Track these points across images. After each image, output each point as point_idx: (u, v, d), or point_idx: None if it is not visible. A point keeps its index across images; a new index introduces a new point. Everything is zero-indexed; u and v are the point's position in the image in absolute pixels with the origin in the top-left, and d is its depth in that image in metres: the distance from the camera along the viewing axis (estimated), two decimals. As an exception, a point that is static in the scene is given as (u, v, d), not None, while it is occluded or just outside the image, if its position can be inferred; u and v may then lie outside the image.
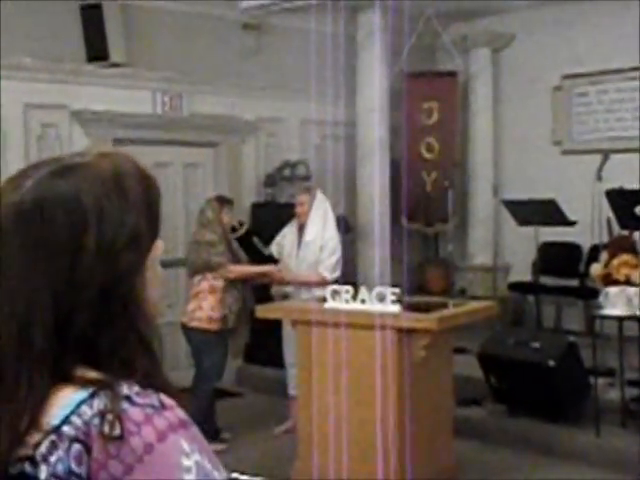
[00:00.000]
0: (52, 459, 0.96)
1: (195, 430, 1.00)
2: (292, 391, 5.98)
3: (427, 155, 8.95)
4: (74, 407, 0.98)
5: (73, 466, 0.95)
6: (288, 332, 6.00)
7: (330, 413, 4.67)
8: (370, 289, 4.81)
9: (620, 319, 5.64)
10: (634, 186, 6.31)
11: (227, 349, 6.16)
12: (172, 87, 7.60)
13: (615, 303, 5.56)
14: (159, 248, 1.12)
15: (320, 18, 6.34)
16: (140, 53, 7.29)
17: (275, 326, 5.97)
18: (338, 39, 6.29)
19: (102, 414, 0.96)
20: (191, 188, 7.82)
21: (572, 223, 7.18)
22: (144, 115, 7.41)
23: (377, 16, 7.68)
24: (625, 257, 5.70)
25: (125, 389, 0.99)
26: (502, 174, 9.09)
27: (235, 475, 1.11)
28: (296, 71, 7.49)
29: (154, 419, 0.97)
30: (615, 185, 6.30)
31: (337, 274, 5.99)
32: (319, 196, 6.15)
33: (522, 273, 8.41)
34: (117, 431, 0.95)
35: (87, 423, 0.96)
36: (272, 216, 7.26)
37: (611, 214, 6.32)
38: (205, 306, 5.91)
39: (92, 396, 0.98)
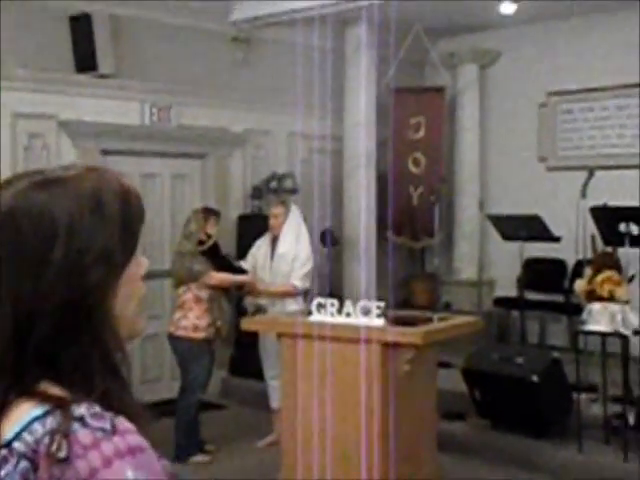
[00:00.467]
0: (2, 473, 0.96)
1: (146, 457, 0.99)
2: (274, 404, 5.99)
3: (414, 170, 8.99)
4: (26, 424, 0.98)
5: None
6: (266, 345, 6.02)
7: (314, 426, 4.68)
8: (355, 303, 4.83)
9: (603, 335, 5.68)
10: (618, 203, 6.36)
11: (213, 360, 6.15)
12: (160, 98, 7.61)
13: (599, 319, 5.59)
14: (141, 265, 1.13)
15: (309, 32, 6.37)
16: (129, 64, 7.30)
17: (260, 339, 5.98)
18: (326, 53, 6.33)
19: (52, 434, 0.96)
20: (178, 199, 7.82)
21: (557, 239, 7.22)
22: (132, 126, 7.42)
23: (365, 31, 7.73)
24: (609, 273, 5.73)
25: (83, 409, 0.98)
26: (488, 189, 9.14)
27: None
28: (284, 84, 7.52)
29: (102, 444, 0.96)
30: (599, 202, 6.34)
31: (307, 284, 6.04)
32: (293, 209, 6.21)
33: (507, 288, 8.44)
34: (63, 453, 0.94)
35: (37, 441, 0.96)
36: (259, 228, 7.27)
37: (595, 230, 6.37)
38: (191, 315, 5.91)
39: (46, 414, 0.98)
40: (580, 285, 5.97)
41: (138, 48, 7.41)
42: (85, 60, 6.97)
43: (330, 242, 7.83)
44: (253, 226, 7.70)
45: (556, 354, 6.14)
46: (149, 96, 7.54)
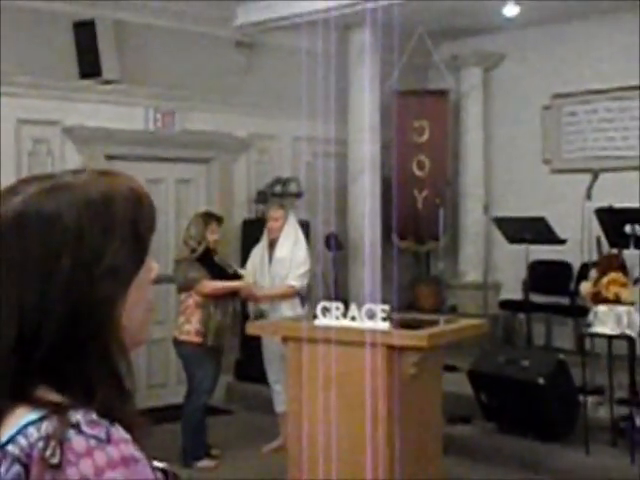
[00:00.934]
0: None
1: (139, 468, 0.97)
2: (278, 408, 5.99)
3: (418, 173, 8.99)
4: (21, 427, 0.97)
5: None
6: (268, 350, 6.01)
7: (320, 430, 4.67)
8: (360, 306, 4.82)
9: (609, 337, 5.67)
10: (623, 205, 6.35)
11: (219, 365, 6.13)
12: (165, 104, 7.63)
13: (605, 321, 5.58)
14: (151, 270, 1.11)
15: (312, 36, 6.38)
16: (133, 70, 7.31)
17: (265, 343, 5.98)
18: (330, 57, 6.33)
19: (47, 439, 0.95)
20: (183, 204, 7.83)
21: (562, 241, 7.21)
22: (136, 131, 7.43)
23: (368, 34, 7.73)
24: (614, 275, 5.72)
25: (79, 416, 0.98)
26: (493, 192, 9.13)
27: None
28: (288, 88, 7.53)
29: (95, 453, 0.95)
30: (604, 204, 6.34)
31: (305, 284, 6.05)
32: (290, 214, 6.22)
33: (513, 291, 8.42)
34: (56, 459, 0.94)
35: (31, 445, 0.95)
36: (263, 233, 7.27)
37: (601, 232, 6.35)
38: (193, 320, 5.91)
39: (42, 419, 0.97)
40: (586, 287, 5.97)
41: (142, 54, 7.42)
42: (89, 66, 6.98)
43: (335, 246, 7.83)
44: (258, 230, 7.68)
45: (562, 356, 6.12)
46: (153, 101, 7.55)
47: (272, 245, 6.15)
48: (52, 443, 0.95)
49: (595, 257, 6.26)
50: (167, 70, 7.57)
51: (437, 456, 5.03)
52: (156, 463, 1.06)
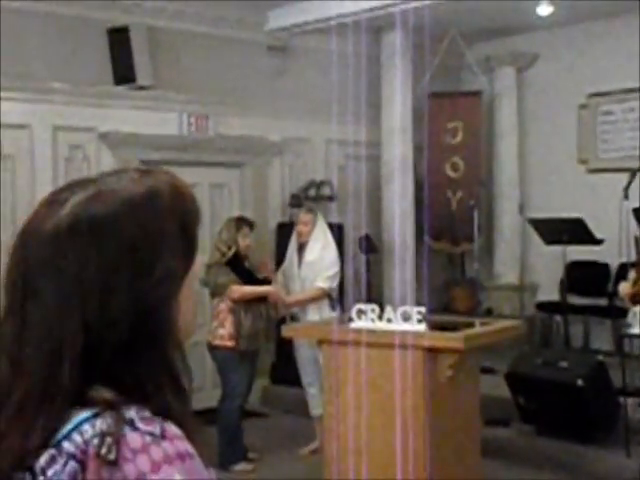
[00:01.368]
0: (49, 473, 0.96)
1: (194, 464, 0.98)
2: (314, 411, 5.98)
3: (452, 174, 8.94)
4: (76, 424, 0.97)
5: None
6: (301, 353, 6.01)
7: (356, 433, 4.65)
8: (395, 308, 4.80)
9: (649, 338, 5.59)
10: (662, 204, 6.27)
11: (253, 369, 6.14)
12: (198, 108, 7.67)
13: (644, 322, 5.50)
14: (197, 264, 1.11)
15: (344, 39, 6.37)
16: (167, 75, 7.36)
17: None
18: (362, 59, 6.32)
19: (102, 435, 0.95)
20: (217, 209, 7.85)
21: (599, 242, 7.13)
22: (170, 136, 7.48)
23: (400, 36, 7.71)
24: (653, 275, 5.64)
25: (132, 412, 0.98)
26: (528, 193, 9.05)
27: None
28: (320, 92, 7.53)
29: (151, 448, 0.95)
30: (642, 203, 6.25)
31: (334, 285, 6.00)
32: (320, 218, 6.21)
33: (550, 292, 8.34)
34: (112, 455, 0.94)
35: (87, 442, 0.96)
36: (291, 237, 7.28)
37: (639, 232, 6.27)
38: (227, 325, 5.92)
39: (96, 415, 0.97)
40: (624, 288, 5.88)
41: (175, 59, 7.47)
42: (124, 72, 7.05)
43: (368, 248, 7.82)
44: (292, 234, 7.72)
45: (601, 358, 6.05)
46: (187, 106, 7.60)
47: (301, 249, 6.15)
48: (108, 440, 0.95)
49: (633, 257, 6.18)
50: (200, 75, 7.62)
51: (475, 459, 4.99)
52: None
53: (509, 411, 6.20)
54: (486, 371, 6.11)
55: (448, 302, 8.89)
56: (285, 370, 7.49)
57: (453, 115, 8.90)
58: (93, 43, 6.99)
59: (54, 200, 1.06)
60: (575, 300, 7.97)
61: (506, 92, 9.07)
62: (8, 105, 6.48)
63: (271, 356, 7.54)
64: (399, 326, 4.67)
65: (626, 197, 6.38)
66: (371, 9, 7.27)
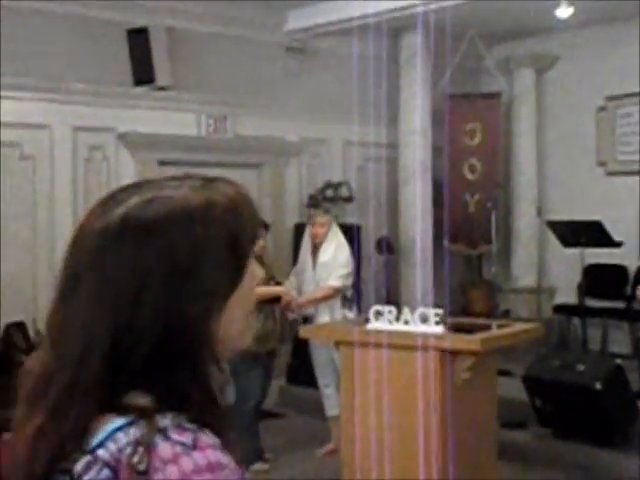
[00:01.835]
0: (85, 479, 0.97)
1: (225, 474, 0.97)
2: (330, 411, 5.97)
3: (470, 176, 8.92)
4: (111, 432, 0.98)
5: None
6: (316, 353, 6.00)
7: (373, 434, 4.66)
8: (413, 310, 4.79)
9: (668, 342, 5.56)
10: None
11: (269, 370, 6.13)
12: (217, 109, 7.69)
13: (663, 325, 5.48)
14: (255, 277, 1.10)
15: (363, 40, 6.38)
16: (185, 76, 7.40)
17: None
18: (381, 61, 6.32)
19: (135, 444, 0.96)
20: (235, 209, 7.87)
21: (618, 244, 7.10)
22: (189, 137, 7.51)
23: (419, 38, 7.71)
24: (672, 279, 5.62)
25: (167, 420, 0.98)
26: (546, 195, 9.02)
27: None
28: (339, 93, 7.54)
29: (181, 459, 0.95)
30: (662, 206, 6.23)
31: (348, 283, 5.95)
32: (334, 220, 6.23)
33: (567, 295, 8.31)
34: (143, 466, 0.94)
35: (120, 450, 0.96)
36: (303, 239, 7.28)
37: (658, 235, 6.25)
38: None
39: (130, 424, 0.98)
40: (643, 291, 5.86)
41: (194, 60, 7.50)
42: (143, 73, 7.08)
43: (386, 250, 7.82)
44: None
45: (618, 361, 6.02)
46: (205, 107, 7.63)
47: (315, 250, 6.16)
48: (140, 449, 0.95)
49: (652, 260, 6.16)
50: (219, 76, 7.65)
51: (491, 461, 4.98)
52: None
53: (526, 414, 6.18)
54: (503, 373, 6.09)
55: (465, 304, 8.87)
56: (302, 371, 7.49)
57: (472, 116, 8.89)
58: (112, 44, 7.03)
59: (111, 199, 1.06)
60: (593, 303, 7.94)
61: (525, 94, 9.04)
62: (28, 105, 6.54)
63: (287, 357, 7.55)
64: (416, 328, 4.67)
65: (645, 200, 6.36)
66: (390, 10, 7.27)
